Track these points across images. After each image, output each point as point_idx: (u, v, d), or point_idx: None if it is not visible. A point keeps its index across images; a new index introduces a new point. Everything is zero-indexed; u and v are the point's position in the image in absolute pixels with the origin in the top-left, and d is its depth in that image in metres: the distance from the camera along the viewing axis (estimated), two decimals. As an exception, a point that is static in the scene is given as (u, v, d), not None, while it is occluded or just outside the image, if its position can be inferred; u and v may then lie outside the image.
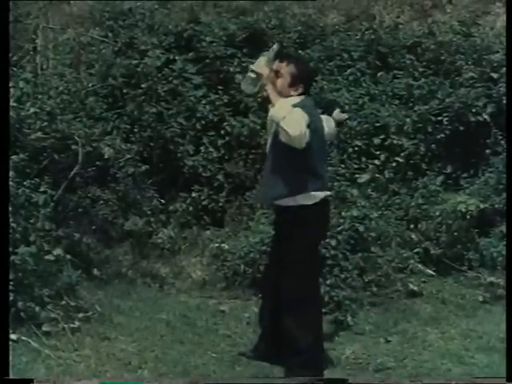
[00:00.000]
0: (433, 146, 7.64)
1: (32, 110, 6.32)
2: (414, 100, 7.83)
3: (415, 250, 6.84)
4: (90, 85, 7.01)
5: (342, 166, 7.32)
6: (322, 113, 5.34)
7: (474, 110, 7.57)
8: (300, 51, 7.95)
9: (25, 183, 5.78)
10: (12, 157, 5.77)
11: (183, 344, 5.49)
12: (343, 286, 6.17)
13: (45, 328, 5.24)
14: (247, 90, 5.08)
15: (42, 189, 5.85)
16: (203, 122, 7.42)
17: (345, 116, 5.59)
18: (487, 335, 5.73)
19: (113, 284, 6.37)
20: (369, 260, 6.46)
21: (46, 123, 6.37)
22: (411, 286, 6.51)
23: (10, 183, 5.40)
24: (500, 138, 7.47)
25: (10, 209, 5.28)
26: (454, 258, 6.90)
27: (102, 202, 6.80)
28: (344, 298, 6.06)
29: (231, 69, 7.65)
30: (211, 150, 7.37)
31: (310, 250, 4.95)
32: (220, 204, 7.28)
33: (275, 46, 5.03)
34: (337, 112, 5.53)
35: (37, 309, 5.29)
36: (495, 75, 7.77)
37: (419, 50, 8.29)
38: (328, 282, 6.12)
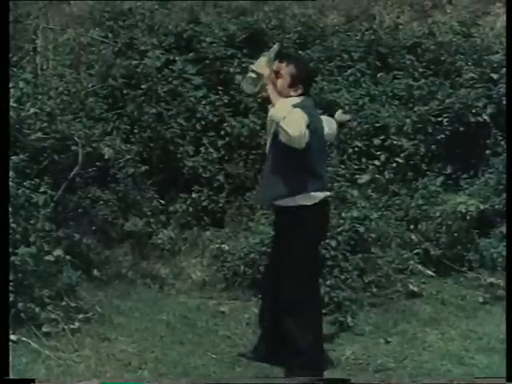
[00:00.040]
0: (433, 146, 7.64)
1: (32, 110, 6.32)
2: (414, 100, 7.84)
3: (415, 251, 6.85)
4: (89, 85, 7.01)
5: (342, 166, 7.32)
6: (323, 113, 5.34)
7: (474, 111, 7.57)
8: (300, 52, 7.95)
9: (25, 184, 5.78)
10: (12, 157, 5.77)
11: (183, 345, 5.49)
12: (343, 287, 6.18)
13: (45, 329, 5.24)
14: (248, 90, 5.08)
15: (42, 189, 5.85)
16: (203, 123, 7.42)
17: (347, 117, 5.58)
18: (487, 336, 5.73)
19: (113, 285, 6.36)
20: (369, 261, 6.46)
21: (45, 124, 6.37)
22: (411, 286, 6.51)
23: (10, 184, 5.40)
24: (500, 138, 7.48)
25: (10, 209, 5.28)
26: (454, 258, 6.90)
27: (102, 202, 6.79)
28: (344, 298, 6.07)
29: (231, 69, 7.64)
30: (211, 150, 7.37)
31: (309, 250, 4.95)
32: (220, 205, 7.28)
33: (276, 46, 5.03)
34: (339, 113, 5.51)
35: (37, 309, 5.29)
36: (495, 76, 7.77)
37: (419, 50, 8.29)
38: (328, 282, 6.13)
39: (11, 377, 4.48)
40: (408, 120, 7.62)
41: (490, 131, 7.55)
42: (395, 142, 7.53)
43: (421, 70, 8.07)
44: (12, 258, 5.18)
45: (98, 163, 6.77)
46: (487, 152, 7.53)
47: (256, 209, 7.07)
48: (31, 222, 5.59)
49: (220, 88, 7.60)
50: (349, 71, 8.00)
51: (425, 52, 8.25)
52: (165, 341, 5.51)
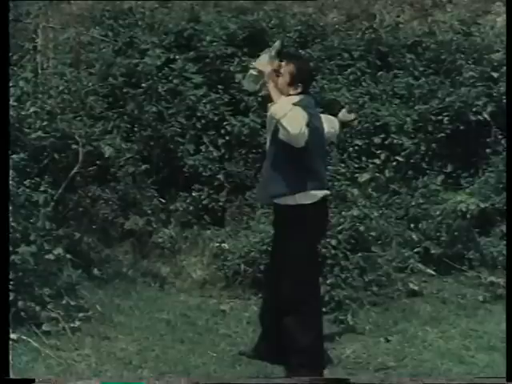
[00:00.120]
0: (433, 145, 7.64)
1: (32, 109, 6.33)
2: (415, 99, 7.83)
3: (415, 250, 6.85)
4: (90, 84, 7.00)
5: (343, 165, 7.32)
6: (323, 112, 5.33)
7: (474, 110, 7.57)
8: (300, 50, 7.94)
9: (25, 182, 5.79)
10: (12, 156, 5.78)
11: (183, 343, 5.49)
12: (344, 286, 6.18)
13: (45, 327, 5.25)
14: (249, 87, 5.08)
15: (42, 188, 5.86)
16: (203, 122, 7.42)
17: (352, 116, 5.53)
18: (487, 335, 5.73)
19: (113, 283, 6.37)
20: (369, 259, 6.46)
21: (46, 122, 6.39)
22: (411, 285, 6.51)
23: (11, 182, 5.40)
24: (500, 137, 7.47)
25: (11, 208, 5.28)
26: (455, 257, 6.90)
27: (102, 201, 6.80)
28: (344, 297, 6.07)
29: (231, 68, 7.64)
30: (211, 149, 7.37)
31: (309, 249, 4.95)
32: (220, 203, 7.27)
33: (277, 44, 5.02)
34: (343, 112, 5.48)
35: (37, 308, 5.29)
36: (495, 74, 7.77)
37: (419, 49, 8.29)
38: (328, 281, 6.14)
39: (11, 375, 4.48)
40: (408, 119, 7.62)
41: (491, 130, 7.55)
42: (395, 141, 7.53)
43: (421, 68, 8.07)
44: (12, 257, 5.18)
45: (98, 162, 6.78)
46: (487, 151, 7.52)
47: (256, 208, 7.07)
48: (31, 220, 5.60)
49: (220, 87, 7.59)
50: (349, 70, 8.00)
51: (425, 51, 8.25)
52: (165, 339, 5.52)
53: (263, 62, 4.90)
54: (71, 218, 6.57)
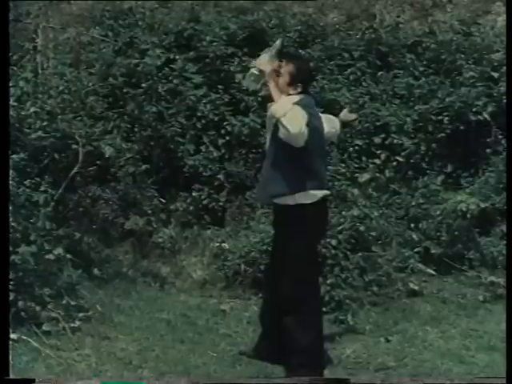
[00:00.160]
0: (433, 145, 7.64)
1: (32, 109, 6.34)
2: (415, 99, 7.84)
3: (416, 250, 6.85)
4: (90, 84, 7.00)
5: (343, 165, 7.32)
6: (323, 112, 5.33)
7: (474, 110, 7.58)
8: (300, 50, 7.94)
9: (25, 182, 5.79)
10: (12, 156, 5.78)
11: (184, 343, 5.49)
12: (344, 286, 6.18)
13: (45, 327, 5.25)
14: (250, 86, 5.07)
15: (42, 188, 5.87)
16: (204, 122, 7.42)
17: (353, 116, 5.51)
18: (488, 334, 5.73)
19: (113, 283, 6.37)
20: (369, 259, 6.46)
21: (46, 122, 6.39)
22: (412, 285, 6.51)
23: (11, 182, 5.40)
24: (500, 137, 7.47)
25: (11, 208, 5.28)
26: (455, 257, 6.90)
27: (102, 201, 6.80)
28: (344, 297, 6.07)
29: (231, 68, 7.65)
30: (212, 149, 7.37)
31: (308, 249, 4.94)
32: (220, 203, 7.28)
33: (278, 42, 5.02)
34: (345, 112, 5.47)
35: (37, 308, 5.30)
36: (495, 74, 7.77)
37: (420, 49, 8.29)
38: (329, 281, 6.14)
39: (11, 375, 4.48)
40: (408, 119, 7.62)
41: (491, 130, 7.55)
42: (396, 141, 7.53)
43: (421, 68, 8.07)
44: (12, 257, 5.18)
45: (98, 162, 6.78)
46: (487, 151, 7.52)
47: (256, 208, 7.07)
48: (32, 220, 5.60)
49: (220, 87, 7.59)
50: (349, 70, 8.00)
51: (425, 51, 8.25)
52: (165, 339, 5.52)
53: (264, 61, 4.90)
54: (71, 218, 6.57)
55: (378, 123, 7.59)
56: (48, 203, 5.80)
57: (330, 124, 5.22)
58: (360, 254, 6.43)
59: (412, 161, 7.56)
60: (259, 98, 7.23)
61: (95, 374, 4.83)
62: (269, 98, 4.86)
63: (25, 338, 5.08)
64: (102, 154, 6.61)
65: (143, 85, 7.24)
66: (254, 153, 7.37)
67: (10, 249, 5.10)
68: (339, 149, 7.44)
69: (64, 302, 5.48)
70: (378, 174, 7.36)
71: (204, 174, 7.27)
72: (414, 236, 6.92)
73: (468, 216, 6.89)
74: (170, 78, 7.42)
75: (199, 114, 7.40)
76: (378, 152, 7.54)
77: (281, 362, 4.97)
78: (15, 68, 6.70)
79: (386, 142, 7.55)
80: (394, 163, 7.51)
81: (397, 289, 6.45)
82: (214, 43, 7.75)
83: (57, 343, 5.15)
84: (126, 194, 6.87)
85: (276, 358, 5.00)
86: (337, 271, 6.23)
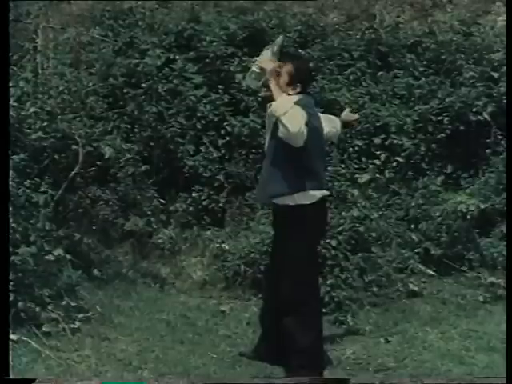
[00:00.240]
0: (433, 145, 7.64)
1: (32, 109, 6.33)
2: (415, 99, 7.83)
3: (415, 250, 6.85)
4: (90, 84, 6.99)
5: (343, 165, 7.31)
6: (323, 112, 5.33)
7: (474, 110, 7.57)
8: (300, 50, 7.94)
9: (25, 183, 5.79)
10: (12, 157, 5.78)
11: (183, 344, 5.50)
12: (344, 286, 6.18)
13: (45, 328, 5.25)
14: (251, 84, 5.06)
15: (42, 189, 5.87)
16: (203, 122, 7.41)
17: (355, 116, 5.51)
18: (487, 335, 5.72)
19: (113, 284, 6.37)
20: (369, 260, 6.46)
21: (46, 123, 6.39)
22: (411, 286, 6.51)
23: (11, 183, 5.40)
24: (500, 137, 7.47)
25: (11, 209, 5.29)
26: (455, 258, 6.90)
27: (102, 202, 6.80)
28: (344, 298, 6.07)
29: (231, 68, 7.64)
30: (211, 149, 7.36)
31: (308, 250, 4.94)
32: (220, 204, 7.27)
33: (279, 40, 5.01)
34: (346, 112, 5.46)
35: (37, 309, 5.30)
36: (496, 74, 7.76)
37: (420, 49, 8.28)
38: (328, 282, 6.14)
39: (11, 376, 4.48)
40: (408, 119, 7.61)
41: (491, 130, 7.55)
42: (395, 141, 7.52)
43: (421, 68, 8.06)
44: (12, 258, 5.18)
45: (98, 162, 6.78)
46: (487, 151, 7.52)
47: (256, 208, 7.07)
48: (31, 221, 5.60)
49: (220, 87, 7.59)
50: (349, 70, 7.99)
51: (425, 51, 8.24)
52: (165, 340, 5.52)
53: (265, 59, 4.89)
54: (71, 218, 6.57)
55: (377, 123, 7.59)
56: (48, 204, 5.80)
57: (330, 124, 5.22)
58: (360, 254, 6.43)
59: (412, 161, 7.55)
60: (259, 99, 7.22)
61: (95, 374, 4.83)
62: (269, 99, 4.86)
63: (25, 338, 5.08)
64: (102, 154, 6.61)
65: (143, 85, 7.23)
66: (254, 153, 7.36)
67: (10, 249, 5.11)
68: (339, 149, 7.44)
69: (64, 302, 5.48)
70: (377, 175, 7.35)
71: (204, 174, 7.26)
72: (414, 237, 6.91)
73: (468, 217, 6.89)
74: (170, 78, 7.41)
75: (199, 115, 7.39)
76: (378, 152, 7.53)
77: (280, 363, 4.97)
78: (15, 68, 6.70)
79: (386, 143, 7.54)
80: (394, 164, 7.50)
81: (397, 289, 6.46)
82: (214, 43, 7.74)
83: (57, 344, 5.15)
84: (125, 194, 6.87)
85: (276, 358, 5.00)
86: (337, 272, 6.23)
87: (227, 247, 6.75)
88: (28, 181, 5.84)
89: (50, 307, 5.37)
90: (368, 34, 8.30)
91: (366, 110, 7.61)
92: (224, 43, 7.78)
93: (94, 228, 6.69)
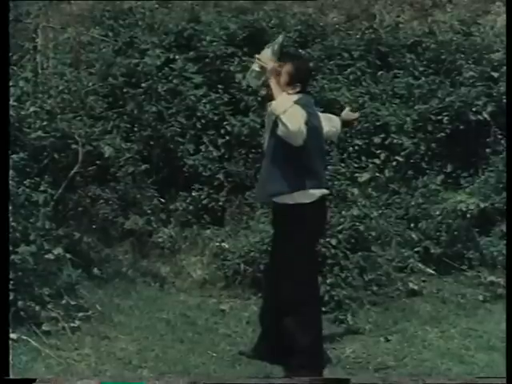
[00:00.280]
0: (433, 145, 7.64)
1: (32, 109, 6.34)
2: (415, 99, 7.83)
3: (415, 249, 6.85)
4: (90, 84, 7.00)
5: (343, 165, 7.31)
6: (323, 112, 5.33)
7: (474, 109, 7.57)
8: (300, 50, 7.94)
9: (25, 182, 5.79)
10: (12, 156, 5.78)
11: (183, 343, 5.50)
12: (343, 285, 6.18)
13: (45, 327, 5.25)
14: (251, 83, 5.07)
15: (42, 188, 5.87)
16: (203, 121, 7.41)
17: (355, 115, 5.51)
18: (487, 334, 5.73)
19: (113, 283, 6.36)
20: (369, 259, 6.46)
21: (46, 122, 6.39)
22: (411, 285, 6.51)
23: (10, 182, 5.41)
24: (500, 137, 7.47)
25: (10, 208, 5.29)
26: (455, 257, 6.90)
27: (102, 201, 6.80)
28: (344, 297, 6.07)
29: (231, 68, 7.64)
30: (211, 149, 7.37)
31: (307, 248, 4.95)
32: (220, 203, 7.27)
33: (280, 38, 5.02)
34: (346, 111, 5.46)
35: (37, 308, 5.30)
36: (495, 74, 7.76)
37: (419, 49, 8.28)
38: (328, 281, 6.14)
39: (11, 375, 4.49)
40: (408, 118, 7.61)
41: (490, 130, 7.55)
42: (395, 141, 7.52)
43: (421, 68, 8.06)
44: (12, 257, 5.19)
45: (98, 162, 6.78)
46: (487, 150, 7.52)
47: (256, 207, 7.07)
48: (31, 220, 5.60)
49: (220, 86, 7.59)
50: (349, 70, 7.99)
51: (425, 51, 8.24)
52: (165, 339, 5.52)
53: (266, 57, 4.90)
54: (71, 217, 6.57)
55: (377, 123, 7.59)
56: (48, 203, 5.80)
57: (330, 123, 5.23)
58: (360, 253, 6.43)
59: (412, 161, 7.55)
60: (259, 98, 7.24)
61: (95, 373, 4.83)
62: (269, 98, 4.86)
63: (24, 337, 5.09)
64: (102, 153, 6.61)
65: (143, 85, 7.24)
66: (253, 153, 7.36)
67: (10, 248, 5.11)
68: (339, 148, 7.44)
69: (64, 301, 5.48)
70: (377, 174, 7.35)
71: (204, 173, 7.27)
72: (414, 236, 6.91)
73: (468, 216, 6.89)
74: (170, 77, 7.42)
75: (199, 114, 7.39)
76: (378, 152, 7.53)
77: (280, 362, 4.97)
78: (15, 68, 6.70)
79: (386, 142, 7.54)
80: (394, 163, 7.50)
81: (396, 288, 6.46)
82: (214, 43, 7.74)
83: (56, 343, 5.16)
84: (125, 193, 6.87)
85: (275, 357, 5.00)
86: (336, 271, 6.23)
87: (227, 246, 6.74)
88: (28, 180, 5.84)
89: (49, 306, 5.37)
90: (368, 34, 8.30)
91: (366, 110, 7.61)
92: (224, 43, 7.78)
93: (93, 227, 6.69)
